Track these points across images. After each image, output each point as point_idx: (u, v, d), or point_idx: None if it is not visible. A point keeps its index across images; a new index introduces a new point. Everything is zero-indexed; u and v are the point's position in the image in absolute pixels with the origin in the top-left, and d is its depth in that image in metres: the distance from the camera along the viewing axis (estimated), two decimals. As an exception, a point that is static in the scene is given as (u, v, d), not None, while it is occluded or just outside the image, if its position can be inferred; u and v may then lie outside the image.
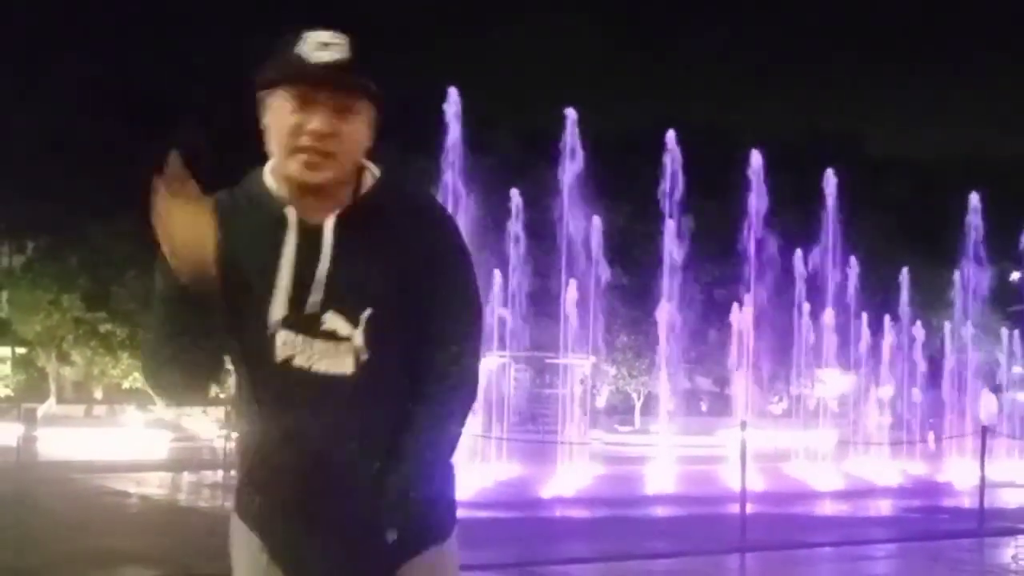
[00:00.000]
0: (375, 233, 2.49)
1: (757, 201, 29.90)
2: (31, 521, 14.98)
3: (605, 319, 44.72)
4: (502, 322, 29.75)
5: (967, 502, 20.66)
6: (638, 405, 53.53)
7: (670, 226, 29.22)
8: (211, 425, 38.01)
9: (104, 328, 47.61)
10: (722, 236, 34.87)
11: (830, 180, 33.70)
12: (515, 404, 32.62)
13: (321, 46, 2.41)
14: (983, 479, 17.16)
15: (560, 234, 29.49)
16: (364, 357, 2.45)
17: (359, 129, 2.48)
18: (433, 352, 2.53)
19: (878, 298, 35.38)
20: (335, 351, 2.44)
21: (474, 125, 28.32)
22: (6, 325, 50.24)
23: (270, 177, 2.53)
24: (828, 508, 20.79)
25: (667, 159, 29.71)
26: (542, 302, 39.95)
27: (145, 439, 33.69)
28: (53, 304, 47.02)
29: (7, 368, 53.95)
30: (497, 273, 28.94)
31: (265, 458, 2.54)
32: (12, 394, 50.86)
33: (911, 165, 66.93)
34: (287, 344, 2.44)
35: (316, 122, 2.41)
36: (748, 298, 30.71)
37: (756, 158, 30.06)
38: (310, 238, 2.46)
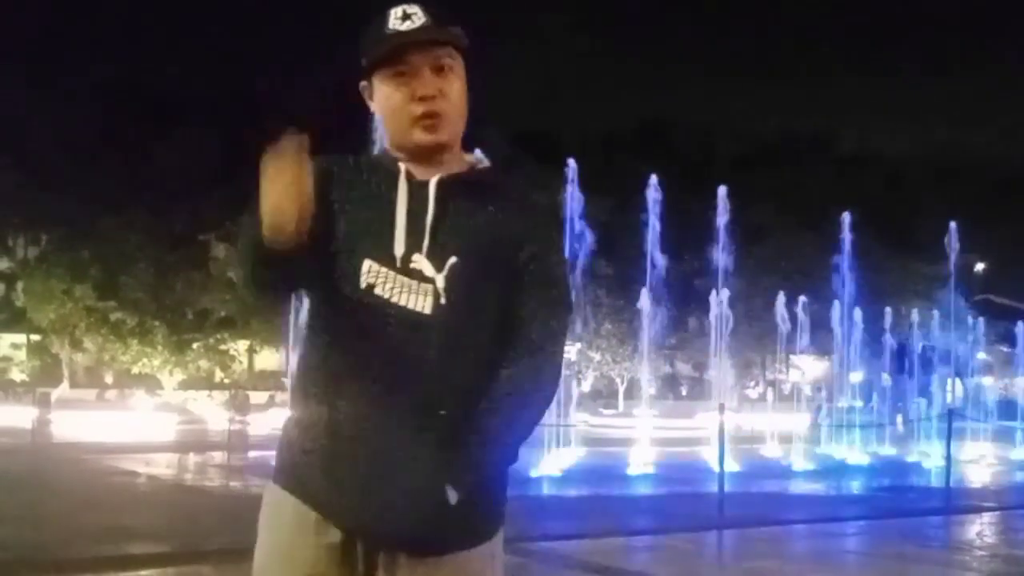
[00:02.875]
0: (477, 201, 2.51)
1: (730, 195, 29.79)
2: (45, 499, 14.95)
3: (590, 308, 44.72)
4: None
5: (934, 481, 20.75)
6: (621, 389, 53.52)
7: (651, 220, 29.14)
8: (216, 408, 37.99)
9: (114, 316, 47.53)
10: (700, 228, 34.84)
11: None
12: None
13: (404, 17, 2.47)
14: (949, 459, 17.22)
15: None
16: (443, 301, 2.42)
17: (457, 86, 2.53)
18: (520, 336, 2.48)
19: (851, 287, 35.35)
20: (415, 288, 2.42)
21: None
22: (22, 313, 50.13)
23: (390, 149, 2.57)
24: (802, 487, 20.81)
25: (648, 155, 29.70)
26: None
27: (153, 422, 33.59)
28: (66, 294, 46.91)
29: (22, 354, 53.87)
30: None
31: (329, 394, 2.46)
32: (27, 379, 50.79)
33: (882, 161, 66.99)
34: (370, 273, 2.43)
35: (420, 88, 2.47)
36: (725, 289, 30.65)
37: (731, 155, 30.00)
38: (418, 192, 2.48)
